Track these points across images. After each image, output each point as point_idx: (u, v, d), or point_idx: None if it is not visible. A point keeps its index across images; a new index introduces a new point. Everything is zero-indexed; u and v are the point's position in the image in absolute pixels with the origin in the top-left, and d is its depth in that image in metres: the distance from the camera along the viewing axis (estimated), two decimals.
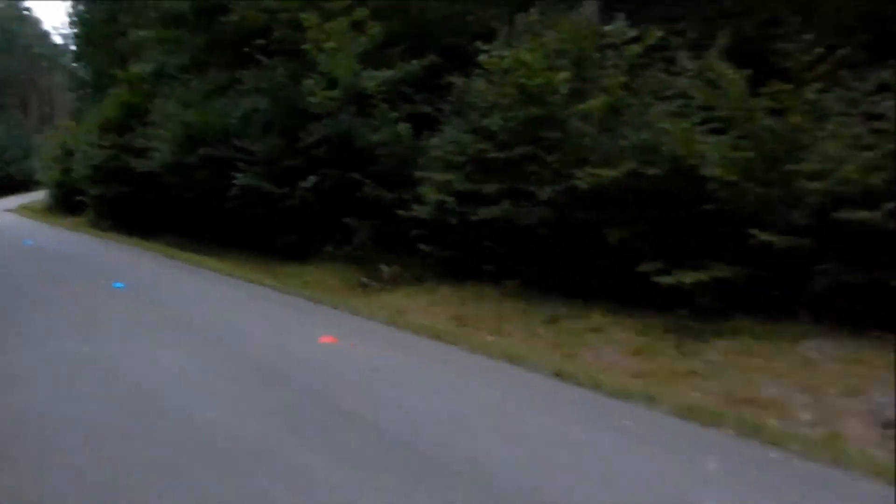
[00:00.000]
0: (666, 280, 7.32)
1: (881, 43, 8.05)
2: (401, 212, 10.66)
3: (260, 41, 14.02)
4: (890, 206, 6.32)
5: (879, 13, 8.54)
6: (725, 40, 8.01)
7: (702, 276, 7.17)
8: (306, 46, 12.71)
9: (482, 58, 9.68)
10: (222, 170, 14.37)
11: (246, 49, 14.26)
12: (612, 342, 7.43)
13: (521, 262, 9.45)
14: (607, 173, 7.94)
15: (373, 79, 11.96)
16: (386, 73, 11.99)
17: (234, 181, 13.94)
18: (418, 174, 10.57)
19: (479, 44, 9.89)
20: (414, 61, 11.97)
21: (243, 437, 4.60)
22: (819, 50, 7.20)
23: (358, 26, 12.48)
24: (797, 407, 5.52)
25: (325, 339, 7.48)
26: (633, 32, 8.81)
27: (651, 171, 7.71)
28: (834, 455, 4.55)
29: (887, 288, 6.36)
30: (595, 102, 8.51)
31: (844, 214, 6.53)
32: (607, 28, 9.07)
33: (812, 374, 6.05)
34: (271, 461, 4.22)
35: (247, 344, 7.33)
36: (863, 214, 6.40)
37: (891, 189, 6.42)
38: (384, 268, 11.23)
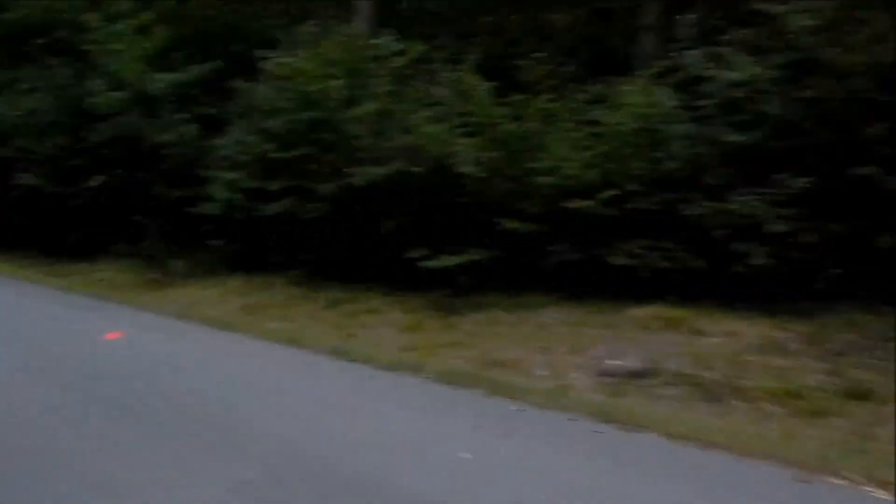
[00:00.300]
0: (430, 264, 7.52)
1: (598, 61, 8.85)
2: (190, 209, 10.07)
3: (40, 40, 12.57)
4: (603, 196, 6.95)
5: (597, 36, 9.39)
6: (476, 56, 8.38)
7: (460, 259, 7.45)
8: (90, 47, 11.60)
9: (265, 65, 9.37)
10: (2, 170, 12.73)
11: (26, 48, 12.74)
12: (386, 321, 7.52)
13: (305, 252, 9.28)
14: (378, 171, 8.02)
15: (159, 81, 11.19)
16: (172, 76, 11.25)
17: (18, 181, 12.40)
18: (206, 173, 10.04)
19: (261, 51, 9.57)
20: (200, 65, 11.33)
21: (19, 435, 4.12)
22: (549, 66, 7.75)
23: (143, 30, 11.59)
24: (535, 365, 5.91)
25: (112, 335, 6.90)
26: (399, 46, 8.94)
27: (416, 169, 7.89)
28: (563, 403, 4.93)
29: (603, 264, 7.01)
30: (366, 108, 8.53)
31: (569, 203, 7.10)
32: (376, 41, 9.14)
33: (547, 337, 6.51)
34: (50, 455, 3.82)
35: (26, 345, 6.55)
36: (582, 203, 7.00)
37: (603, 182, 7.07)
38: (175, 263, 10.56)
